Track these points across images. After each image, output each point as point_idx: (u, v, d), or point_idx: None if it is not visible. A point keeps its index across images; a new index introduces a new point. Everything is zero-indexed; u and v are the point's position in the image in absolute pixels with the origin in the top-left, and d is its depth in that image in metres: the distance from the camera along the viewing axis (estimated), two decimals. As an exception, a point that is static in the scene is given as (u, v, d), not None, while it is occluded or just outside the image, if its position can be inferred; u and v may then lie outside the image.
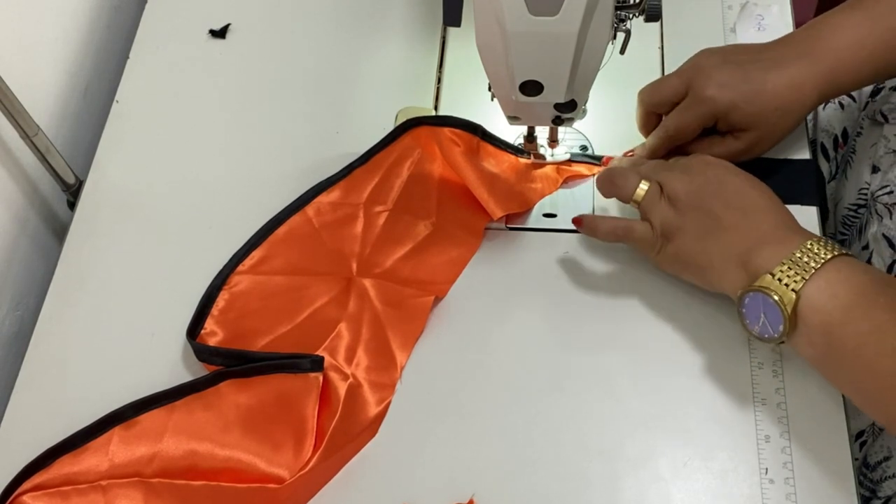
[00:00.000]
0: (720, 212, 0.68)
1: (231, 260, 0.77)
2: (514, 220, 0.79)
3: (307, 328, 0.74)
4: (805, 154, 0.80)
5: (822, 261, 0.63)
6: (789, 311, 0.63)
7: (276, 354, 0.71)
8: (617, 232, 0.73)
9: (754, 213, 0.67)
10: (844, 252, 0.64)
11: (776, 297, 0.63)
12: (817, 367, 0.66)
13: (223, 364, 0.71)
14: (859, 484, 0.77)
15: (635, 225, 0.72)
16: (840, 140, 0.89)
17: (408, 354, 0.73)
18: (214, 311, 0.75)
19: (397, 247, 0.77)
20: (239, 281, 0.76)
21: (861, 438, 0.78)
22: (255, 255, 0.77)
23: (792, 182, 0.78)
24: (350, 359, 0.72)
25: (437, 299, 0.74)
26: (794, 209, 0.77)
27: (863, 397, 0.64)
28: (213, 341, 0.73)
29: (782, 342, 0.65)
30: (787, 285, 0.63)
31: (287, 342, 0.73)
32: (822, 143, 0.90)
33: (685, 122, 0.74)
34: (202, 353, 0.72)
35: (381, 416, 0.70)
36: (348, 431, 0.68)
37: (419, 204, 0.79)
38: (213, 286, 0.76)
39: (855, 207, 0.82)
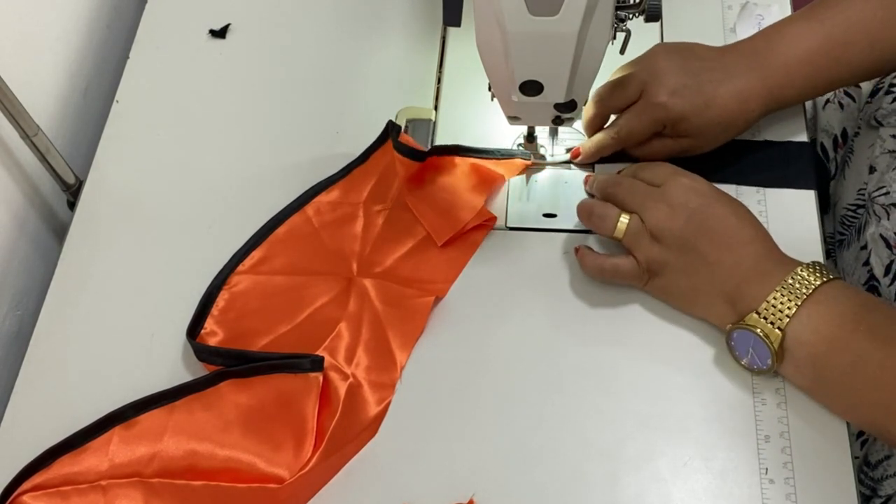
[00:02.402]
0: (705, 248, 0.68)
1: (231, 260, 0.77)
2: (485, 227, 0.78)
3: (307, 328, 0.74)
4: (803, 137, 0.80)
5: (805, 295, 0.65)
6: (776, 346, 0.65)
7: (275, 354, 0.71)
8: (604, 272, 0.73)
9: (739, 248, 0.68)
10: (826, 279, 0.66)
11: (762, 334, 0.65)
12: (810, 395, 0.68)
13: (223, 364, 0.71)
14: (860, 482, 0.77)
15: (621, 264, 0.72)
16: (840, 140, 0.89)
17: (408, 354, 0.73)
18: (214, 311, 0.75)
19: (397, 245, 0.77)
20: (239, 281, 0.76)
21: (862, 437, 0.78)
22: (255, 254, 0.77)
23: (789, 165, 0.79)
24: (350, 359, 0.72)
25: (438, 299, 0.74)
26: (792, 193, 0.77)
27: (857, 422, 0.67)
28: (213, 341, 0.73)
29: (774, 373, 0.68)
30: (772, 323, 0.65)
31: (287, 342, 0.73)
32: (821, 143, 0.90)
33: (637, 126, 0.75)
34: (202, 352, 0.72)
35: (381, 415, 0.70)
36: (348, 431, 0.68)
37: None
38: (213, 286, 0.76)
39: (854, 207, 0.82)
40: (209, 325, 0.74)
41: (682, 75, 0.73)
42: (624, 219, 0.71)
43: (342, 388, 0.69)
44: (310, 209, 0.79)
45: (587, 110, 0.78)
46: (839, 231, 0.85)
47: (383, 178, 0.80)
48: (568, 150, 0.81)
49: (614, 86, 0.76)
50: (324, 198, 0.80)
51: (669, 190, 0.70)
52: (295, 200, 0.80)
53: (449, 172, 0.79)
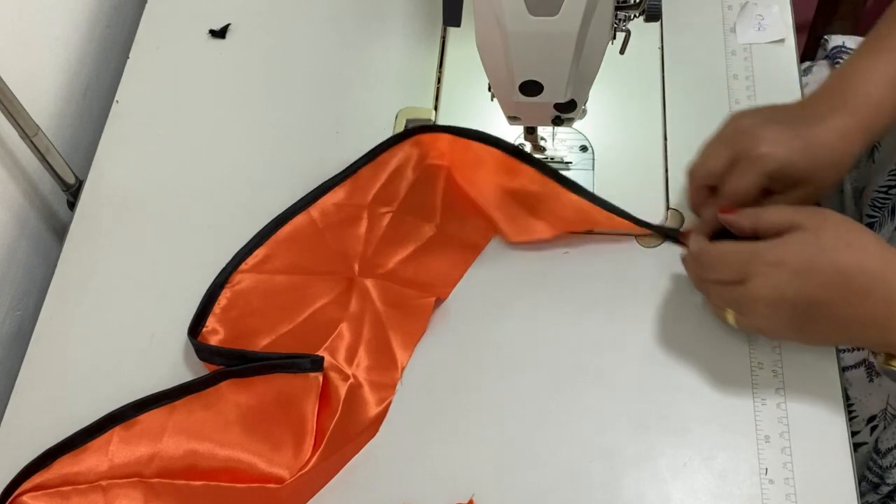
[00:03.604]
0: (838, 307, 0.63)
1: (234, 258, 0.77)
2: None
3: (308, 328, 0.74)
4: None
5: None
6: None
7: (276, 354, 0.71)
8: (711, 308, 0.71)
9: (874, 290, 0.63)
10: None
11: None
12: None
13: (224, 363, 0.71)
14: (868, 469, 0.77)
15: (723, 317, 0.69)
16: None
17: (409, 355, 0.73)
18: (216, 309, 0.75)
19: (400, 248, 0.77)
20: (241, 279, 0.76)
21: (872, 423, 0.78)
22: (259, 253, 0.77)
23: None
24: (351, 359, 0.72)
25: (439, 300, 0.74)
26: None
27: None
28: (214, 340, 0.73)
29: None
30: None
31: (288, 342, 0.73)
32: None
33: (743, 187, 0.70)
34: (203, 351, 0.72)
35: (381, 416, 0.70)
36: (348, 431, 0.68)
37: (424, 206, 0.78)
38: (216, 284, 0.76)
39: (885, 189, 0.82)
40: (211, 323, 0.74)
41: (773, 126, 0.70)
42: (731, 319, 0.68)
43: (342, 388, 0.69)
44: (314, 211, 0.79)
45: (688, 190, 0.75)
46: (868, 214, 0.85)
47: (391, 180, 0.80)
48: (570, 149, 0.81)
49: (706, 155, 0.72)
50: (329, 199, 0.79)
51: (755, 288, 0.65)
52: (300, 200, 0.79)
53: (540, 187, 0.77)
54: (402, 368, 0.72)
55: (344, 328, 0.73)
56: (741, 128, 0.71)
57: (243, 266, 0.77)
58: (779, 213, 0.67)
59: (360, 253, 0.77)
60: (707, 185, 0.73)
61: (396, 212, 0.78)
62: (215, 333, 0.74)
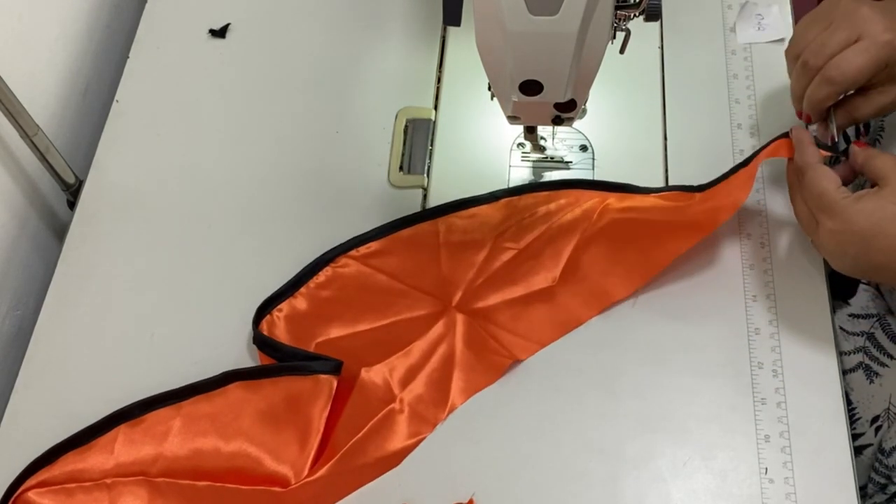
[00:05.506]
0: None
1: (347, 242, 0.76)
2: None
3: (383, 336, 0.73)
4: None
5: None
6: None
7: (303, 352, 0.71)
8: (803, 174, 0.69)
9: None
10: None
11: None
12: None
13: (269, 355, 0.71)
14: (874, 470, 0.77)
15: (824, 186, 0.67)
16: (861, 129, 0.89)
17: (463, 400, 0.71)
18: (312, 283, 0.75)
19: (509, 288, 0.74)
20: (347, 264, 0.76)
21: (876, 423, 0.78)
22: (372, 246, 0.76)
23: None
24: (406, 381, 0.70)
25: (516, 362, 0.72)
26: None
27: None
28: (296, 313, 0.73)
29: None
30: None
31: (358, 342, 0.72)
32: (845, 130, 0.90)
33: (860, 66, 0.68)
34: (258, 338, 0.72)
35: (408, 449, 0.69)
36: (367, 452, 0.68)
37: (550, 256, 0.75)
38: (321, 260, 0.75)
39: None
40: (302, 293, 0.74)
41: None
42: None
43: (380, 409, 0.68)
44: (442, 224, 0.77)
45: (794, 73, 0.72)
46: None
47: (527, 222, 0.77)
48: (570, 149, 0.81)
49: (824, 43, 0.69)
50: (458, 218, 0.77)
51: (823, 236, 0.67)
52: (430, 209, 0.78)
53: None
54: (451, 411, 0.70)
55: (414, 348, 0.72)
56: (862, 14, 0.69)
57: (353, 252, 0.76)
58: (884, 162, 0.67)
59: (469, 280, 0.75)
60: (818, 66, 0.70)
61: (520, 252, 0.76)
62: (299, 305, 0.74)
